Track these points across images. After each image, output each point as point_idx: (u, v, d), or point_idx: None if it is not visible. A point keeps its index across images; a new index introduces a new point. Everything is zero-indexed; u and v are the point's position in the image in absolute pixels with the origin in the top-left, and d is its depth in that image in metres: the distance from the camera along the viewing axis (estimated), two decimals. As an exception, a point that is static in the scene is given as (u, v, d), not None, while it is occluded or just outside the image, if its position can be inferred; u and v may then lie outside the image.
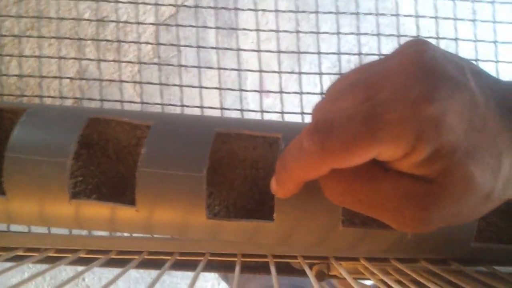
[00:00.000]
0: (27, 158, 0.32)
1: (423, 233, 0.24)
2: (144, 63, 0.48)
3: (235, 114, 0.50)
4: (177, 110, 0.50)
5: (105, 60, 0.49)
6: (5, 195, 0.32)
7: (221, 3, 0.53)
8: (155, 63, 0.49)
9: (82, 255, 0.34)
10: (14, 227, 0.43)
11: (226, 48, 0.49)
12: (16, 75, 0.49)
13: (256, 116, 0.51)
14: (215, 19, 0.86)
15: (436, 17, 0.51)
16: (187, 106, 0.47)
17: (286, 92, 0.48)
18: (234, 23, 0.82)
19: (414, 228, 0.23)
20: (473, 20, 0.51)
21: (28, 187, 0.32)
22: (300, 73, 0.48)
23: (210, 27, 0.51)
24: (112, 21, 0.54)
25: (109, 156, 0.37)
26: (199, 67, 0.48)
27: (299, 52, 0.47)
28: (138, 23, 0.49)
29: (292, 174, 0.25)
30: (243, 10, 0.50)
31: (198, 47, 0.48)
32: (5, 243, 0.36)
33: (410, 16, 0.52)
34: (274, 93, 0.50)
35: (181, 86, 0.47)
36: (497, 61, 0.54)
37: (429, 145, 0.21)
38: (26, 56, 0.51)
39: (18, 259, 0.34)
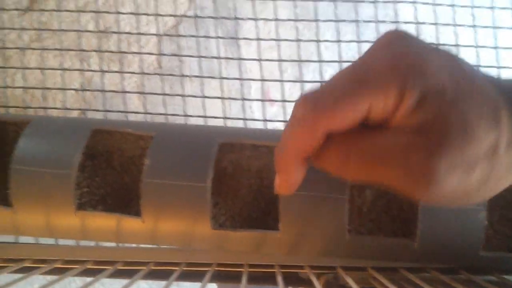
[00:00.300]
0: (33, 170, 0.32)
1: (435, 195, 0.22)
2: (148, 73, 0.48)
3: (240, 123, 0.50)
4: (181, 120, 0.50)
5: (109, 71, 0.50)
6: (12, 206, 0.32)
7: (223, 13, 0.54)
8: (158, 74, 0.49)
9: (90, 266, 0.34)
10: (21, 239, 0.43)
11: (228, 58, 0.49)
12: (21, 87, 0.50)
13: (260, 125, 0.51)
14: (218, 29, 0.86)
15: (436, 24, 0.51)
16: (191, 116, 0.47)
17: (289, 101, 0.48)
18: (237, 33, 0.83)
19: (423, 183, 0.22)
20: (473, 26, 0.51)
21: (34, 198, 0.32)
22: (302, 81, 0.48)
23: (212, 37, 0.51)
24: (115, 32, 0.54)
25: (114, 167, 0.37)
26: (202, 76, 0.48)
27: (300, 61, 0.47)
28: (141, 34, 0.50)
29: (289, 149, 0.25)
30: (243, 19, 0.50)
31: (200, 56, 0.48)
32: (13, 254, 0.36)
33: (411, 23, 0.52)
34: (278, 101, 0.50)
35: (184, 96, 0.48)
36: (499, 67, 0.54)
37: (416, 89, 0.22)
38: (30, 68, 0.51)
39: (26, 270, 0.34)
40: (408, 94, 0.22)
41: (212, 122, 0.49)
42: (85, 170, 0.36)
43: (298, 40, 0.48)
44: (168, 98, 0.49)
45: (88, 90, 0.49)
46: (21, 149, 0.32)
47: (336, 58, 0.50)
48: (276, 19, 0.49)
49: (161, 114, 0.47)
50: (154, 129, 0.33)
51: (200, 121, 0.49)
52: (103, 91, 0.48)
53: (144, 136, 0.36)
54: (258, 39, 0.48)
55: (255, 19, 0.49)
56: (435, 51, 0.23)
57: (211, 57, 0.49)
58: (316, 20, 0.49)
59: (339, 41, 0.47)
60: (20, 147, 0.32)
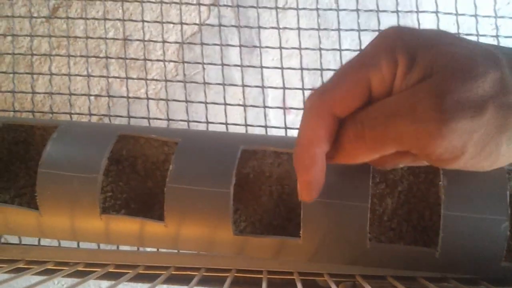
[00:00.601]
0: (59, 174, 0.33)
1: (451, 143, 0.21)
2: (170, 80, 0.49)
3: (258, 130, 0.51)
4: (201, 126, 0.51)
5: (131, 78, 0.51)
6: (38, 209, 0.33)
7: (242, 22, 0.54)
8: (180, 81, 0.50)
9: (111, 269, 0.35)
10: (43, 241, 0.44)
11: (249, 66, 0.50)
12: (46, 93, 0.51)
13: (278, 132, 0.52)
14: (236, 37, 0.87)
15: (458, 34, 0.51)
16: (212, 123, 0.48)
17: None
18: (256, 41, 0.84)
19: (434, 129, 0.21)
20: (496, 36, 0.51)
21: (60, 202, 0.33)
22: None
23: (234, 45, 0.52)
24: (138, 40, 0.56)
25: (138, 172, 0.38)
26: (223, 84, 0.49)
27: (321, 69, 0.48)
28: (164, 41, 0.51)
29: (304, 141, 0.26)
30: (265, 28, 0.51)
31: (223, 64, 0.49)
32: (36, 256, 0.36)
33: (432, 32, 0.52)
34: (297, 109, 0.50)
35: (206, 103, 0.48)
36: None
37: (404, 50, 0.23)
38: (55, 74, 0.52)
39: (49, 272, 0.34)
40: (400, 58, 0.23)
41: (232, 129, 0.50)
42: (110, 174, 0.37)
43: (320, 49, 0.49)
44: (188, 105, 0.50)
45: (112, 96, 0.50)
46: (48, 153, 0.33)
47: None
48: (299, 28, 0.49)
49: (183, 120, 0.48)
50: (178, 135, 0.34)
51: (220, 128, 0.49)
52: (126, 97, 0.49)
53: (169, 142, 0.37)
54: (280, 47, 0.49)
55: (277, 28, 0.50)
56: (418, 28, 0.25)
57: (233, 65, 0.50)
58: (338, 30, 0.49)
59: (359, 50, 0.48)
60: (47, 151, 0.33)
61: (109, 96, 0.51)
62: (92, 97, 0.54)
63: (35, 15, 0.53)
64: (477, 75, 0.21)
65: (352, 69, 0.24)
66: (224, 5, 0.51)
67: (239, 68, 0.51)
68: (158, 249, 0.40)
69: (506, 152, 0.23)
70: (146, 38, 0.51)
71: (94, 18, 0.57)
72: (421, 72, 0.23)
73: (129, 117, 0.48)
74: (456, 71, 0.21)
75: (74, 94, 0.50)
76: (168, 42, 0.51)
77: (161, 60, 0.51)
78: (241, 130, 0.48)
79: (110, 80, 0.52)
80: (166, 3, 0.53)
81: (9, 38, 0.85)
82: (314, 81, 0.84)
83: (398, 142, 0.23)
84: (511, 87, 0.22)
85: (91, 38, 0.53)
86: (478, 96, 0.21)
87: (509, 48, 0.24)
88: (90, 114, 0.50)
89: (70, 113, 0.50)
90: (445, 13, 0.52)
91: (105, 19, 0.53)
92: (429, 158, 0.24)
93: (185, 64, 0.53)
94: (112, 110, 0.90)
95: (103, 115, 0.54)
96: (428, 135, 0.22)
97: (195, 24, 0.51)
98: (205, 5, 0.50)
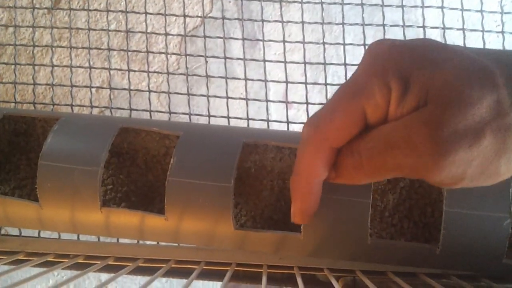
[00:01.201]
0: (60, 166, 0.33)
1: (451, 171, 0.21)
2: (172, 73, 0.49)
3: (259, 124, 0.50)
4: (202, 120, 0.51)
5: (133, 70, 0.50)
6: (38, 201, 0.33)
7: (245, 15, 0.54)
8: (182, 74, 0.50)
9: (111, 262, 0.35)
10: (43, 233, 0.44)
11: (252, 59, 0.50)
12: (47, 84, 0.51)
13: (280, 126, 0.52)
14: (238, 31, 0.87)
15: (463, 29, 0.51)
16: (214, 116, 0.48)
17: (311, 103, 0.48)
18: (258, 35, 0.83)
19: (431, 160, 0.21)
20: (502, 32, 0.51)
21: (60, 194, 0.33)
22: (326, 84, 0.48)
23: (237, 38, 0.52)
24: (140, 32, 0.55)
25: (139, 165, 0.38)
26: (226, 77, 0.49)
27: (325, 64, 0.48)
28: (166, 34, 0.50)
29: (302, 171, 0.26)
30: (268, 21, 0.50)
31: (225, 58, 0.49)
32: (37, 248, 0.36)
33: (437, 28, 0.51)
34: (299, 104, 0.50)
35: (208, 96, 0.48)
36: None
37: (396, 76, 0.22)
38: (57, 66, 0.52)
39: (49, 264, 0.34)
40: (393, 84, 0.22)
41: (234, 122, 0.50)
42: (110, 167, 0.37)
43: (324, 43, 0.48)
44: (189, 98, 0.50)
45: (114, 88, 0.50)
46: (49, 145, 0.33)
47: (356, 61, 0.50)
48: (302, 22, 0.49)
49: (185, 113, 0.48)
50: (180, 128, 0.34)
51: (222, 121, 0.49)
52: (128, 89, 0.49)
53: (170, 135, 0.36)
54: (284, 41, 0.48)
55: (281, 22, 0.49)
56: (409, 42, 0.24)
57: (236, 59, 0.50)
58: (343, 24, 0.49)
59: (364, 44, 0.47)
60: (48, 143, 0.33)
61: (110, 88, 0.50)
62: (93, 89, 0.54)
63: (37, 6, 0.53)
64: (473, 102, 0.21)
65: (345, 99, 0.24)
66: (227, -2, 0.51)
67: (241, 61, 0.50)
68: (158, 242, 0.40)
69: (505, 171, 0.22)
70: (149, 31, 0.51)
71: (96, 10, 0.57)
72: (416, 98, 0.22)
73: (131, 109, 0.48)
74: (451, 100, 0.21)
75: (76, 86, 0.50)
76: (170, 35, 0.51)
77: (163, 53, 0.50)
78: (242, 123, 0.48)
79: (111, 72, 0.52)
80: (169, -5, 0.52)
81: (11, 29, 0.85)
82: (316, 75, 0.84)
83: (397, 171, 0.23)
84: (507, 108, 0.21)
85: (93, 30, 0.52)
86: (475, 123, 0.21)
87: (509, 54, 0.23)
88: (92, 106, 0.50)
89: (72, 105, 0.49)
90: (451, 8, 0.51)
91: (108, 11, 0.52)
92: (429, 182, 0.24)
93: (187, 57, 0.52)
94: (113, 102, 0.90)
95: (104, 107, 0.54)
96: (426, 168, 0.22)
97: (198, 16, 0.50)
98: (208, -2, 0.50)
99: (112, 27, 0.97)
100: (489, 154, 0.21)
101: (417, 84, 0.22)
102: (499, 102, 0.21)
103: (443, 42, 0.26)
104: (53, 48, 0.54)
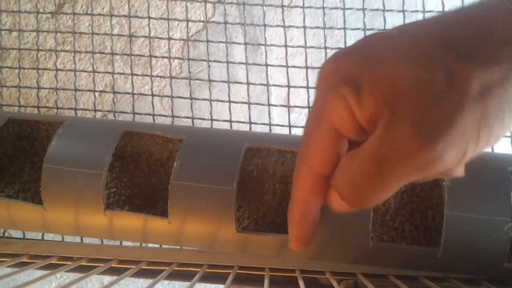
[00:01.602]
0: (64, 169, 0.33)
1: (443, 153, 0.21)
2: (175, 77, 0.49)
3: (261, 128, 0.51)
4: (205, 123, 0.51)
5: (136, 74, 0.51)
6: (43, 204, 0.33)
7: (247, 20, 0.55)
8: (185, 78, 0.50)
9: (114, 264, 0.35)
10: (46, 236, 0.45)
11: (254, 64, 0.50)
12: (51, 88, 0.51)
13: (282, 130, 0.52)
14: (240, 36, 0.87)
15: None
16: (216, 120, 0.48)
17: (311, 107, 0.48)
18: (260, 39, 0.84)
19: (423, 153, 0.20)
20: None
21: (64, 197, 0.33)
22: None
23: (239, 43, 0.52)
24: (143, 36, 0.55)
25: (142, 169, 0.38)
26: (228, 82, 0.49)
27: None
28: (169, 38, 0.51)
29: (295, 199, 0.26)
30: (271, 26, 0.51)
31: (228, 62, 0.49)
32: (40, 251, 0.37)
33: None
34: (301, 108, 0.50)
35: (210, 100, 0.48)
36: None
37: (347, 86, 0.22)
38: (61, 70, 0.53)
39: (53, 267, 0.35)
40: (344, 91, 0.22)
41: (235, 126, 0.50)
42: (114, 170, 0.37)
43: (326, 48, 0.49)
44: (192, 102, 0.50)
45: (118, 92, 0.50)
46: (53, 149, 0.33)
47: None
48: (304, 27, 0.49)
49: (187, 117, 0.48)
50: (183, 132, 0.34)
51: (224, 125, 0.49)
52: (131, 93, 0.49)
53: (173, 139, 0.37)
54: (286, 46, 0.49)
55: (283, 26, 0.50)
56: (355, 44, 0.24)
57: (238, 63, 0.50)
58: (344, 28, 0.49)
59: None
60: (52, 146, 0.34)
61: (114, 92, 0.51)
62: (96, 93, 0.54)
63: (41, 11, 0.53)
64: (434, 94, 0.20)
65: (313, 124, 0.24)
66: (230, 3, 0.51)
67: (243, 66, 0.51)
68: (161, 245, 0.40)
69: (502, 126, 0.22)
70: (151, 35, 0.51)
71: (100, 14, 0.57)
72: (371, 97, 0.22)
73: (134, 113, 0.49)
74: (410, 98, 0.21)
75: (79, 90, 0.50)
76: (173, 39, 0.52)
77: (166, 57, 0.51)
78: (245, 127, 0.49)
79: (115, 76, 0.52)
80: (172, 0, 0.53)
81: (15, 33, 0.86)
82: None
83: (398, 183, 0.23)
84: (466, 77, 0.20)
85: (97, 34, 0.53)
86: (445, 108, 0.20)
87: (452, 15, 0.22)
88: (95, 110, 0.50)
89: (75, 109, 0.50)
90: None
91: (111, 15, 0.53)
92: (439, 176, 0.23)
93: (190, 62, 0.53)
94: (116, 106, 0.90)
95: (107, 111, 0.55)
96: (423, 166, 0.21)
97: (200, 21, 0.50)
98: (210, 2, 0.50)
99: (115, 31, 0.97)
100: (473, 122, 0.21)
101: (367, 83, 0.22)
102: (451, 72, 0.20)
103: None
104: (57, 52, 0.54)
